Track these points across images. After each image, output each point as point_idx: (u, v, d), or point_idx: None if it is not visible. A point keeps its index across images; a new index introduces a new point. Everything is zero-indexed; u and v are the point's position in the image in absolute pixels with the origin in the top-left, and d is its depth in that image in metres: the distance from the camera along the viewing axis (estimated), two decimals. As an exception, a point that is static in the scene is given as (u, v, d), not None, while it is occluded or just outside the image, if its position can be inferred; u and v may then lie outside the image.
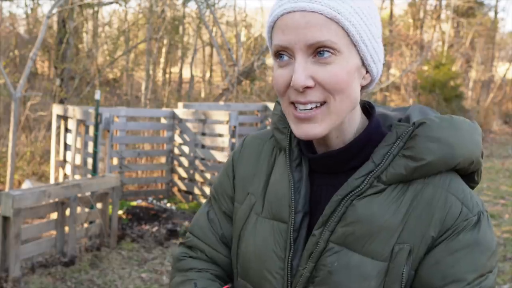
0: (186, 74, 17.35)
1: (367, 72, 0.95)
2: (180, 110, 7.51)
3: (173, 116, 7.47)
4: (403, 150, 0.93)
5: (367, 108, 1.03)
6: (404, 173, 0.92)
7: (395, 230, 0.91)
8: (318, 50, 0.88)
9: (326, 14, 0.87)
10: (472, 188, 1.00)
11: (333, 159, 0.97)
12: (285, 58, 0.91)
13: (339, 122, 0.93)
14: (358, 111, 0.98)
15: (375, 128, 0.99)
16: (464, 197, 0.93)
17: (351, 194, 0.93)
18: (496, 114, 18.05)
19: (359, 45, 0.90)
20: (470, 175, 0.99)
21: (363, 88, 0.98)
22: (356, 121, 0.98)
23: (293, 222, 0.97)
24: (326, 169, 0.99)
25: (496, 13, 21.66)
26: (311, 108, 0.90)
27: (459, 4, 18.76)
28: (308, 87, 0.89)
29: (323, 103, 0.90)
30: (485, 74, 20.55)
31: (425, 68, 16.46)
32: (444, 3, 19.98)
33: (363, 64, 0.93)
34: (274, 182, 1.03)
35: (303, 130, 0.92)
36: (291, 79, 0.89)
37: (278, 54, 0.92)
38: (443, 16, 20.13)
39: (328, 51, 0.88)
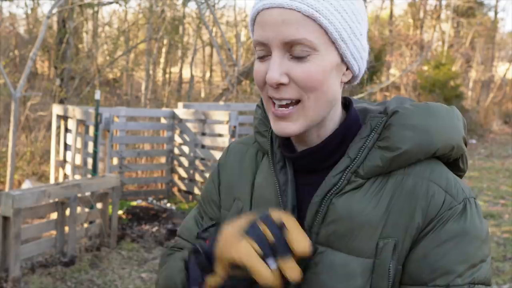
0: (186, 74, 17.35)
1: (347, 68, 0.94)
2: (180, 110, 7.51)
3: (173, 116, 7.47)
4: (378, 141, 0.92)
5: (345, 103, 1.01)
6: (381, 164, 0.90)
7: (377, 225, 0.89)
8: (294, 48, 0.87)
9: (304, 11, 0.86)
10: (460, 177, 0.98)
11: (312, 156, 0.96)
12: (264, 53, 0.90)
13: (317, 121, 0.92)
14: (338, 108, 0.97)
15: (353, 122, 0.97)
16: (448, 185, 0.90)
17: (330, 192, 0.91)
18: (496, 114, 18.05)
19: (338, 43, 0.89)
20: (454, 163, 0.97)
21: (346, 84, 0.97)
22: (335, 118, 0.96)
23: None
24: (306, 168, 0.97)
25: (496, 13, 21.68)
26: (286, 104, 0.90)
27: (459, 4, 18.76)
28: (282, 84, 0.88)
29: (297, 101, 0.90)
30: (485, 74, 20.55)
31: (425, 68, 16.46)
32: (444, 3, 19.99)
33: (343, 61, 0.92)
34: (259, 186, 1.02)
35: (279, 127, 0.91)
36: None
37: (257, 49, 0.92)
38: (443, 16, 20.14)
39: (303, 49, 0.87)
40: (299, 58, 0.88)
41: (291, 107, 0.90)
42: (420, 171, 0.91)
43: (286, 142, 1.00)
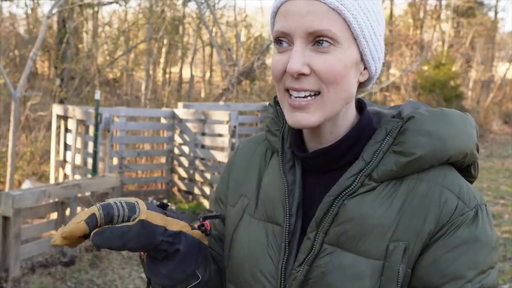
0: (186, 74, 17.36)
1: (365, 68, 0.94)
2: (180, 110, 7.51)
3: (173, 116, 7.47)
4: (393, 146, 0.92)
5: (359, 105, 1.02)
6: (395, 169, 0.90)
7: (388, 228, 0.89)
8: (317, 39, 0.88)
9: (329, 3, 0.87)
10: (471, 182, 0.98)
11: (325, 156, 0.96)
12: (285, 44, 0.91)
13: (332, 115, 0.92)
14: (352, 107, 0.97)
15: (367, 124, 0.97)
16: (460, 191, 0.90)
17: (342, 194, 0.92)
18: (496, 114, 18.05)
19: (359, 39, 0.90)
20: (466, 169, 0.98)
21: (360, 85, 0.97)
22: (349, 117, 0.97)
23: (287, 225, 0.96)
24: (318, 168, 0.98)
25: (496, 13, 21.69)
26: (305, 96, 0.90)
27: (459, 4, 18.77)
28: (303, 74, 0.89)
29: (317, 93, 0.90)
30: (485, 74, 20.54)
31: (425, 68, 16.47)
32: (444, 3, 20.00)
33: (362, 59, 0.93)
34: (267, 184, 1.02)
35: (296, 119, 0.91)
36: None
37: (278, 40, 0.92)
38: (443, 16, 20.15)
39: (327, 41, 0.87)
40: (321, 50, 0.88)
41: (309, 98, 0.90)
42: (433, 176, 0.91)
43: (297, 141, 1.00)
